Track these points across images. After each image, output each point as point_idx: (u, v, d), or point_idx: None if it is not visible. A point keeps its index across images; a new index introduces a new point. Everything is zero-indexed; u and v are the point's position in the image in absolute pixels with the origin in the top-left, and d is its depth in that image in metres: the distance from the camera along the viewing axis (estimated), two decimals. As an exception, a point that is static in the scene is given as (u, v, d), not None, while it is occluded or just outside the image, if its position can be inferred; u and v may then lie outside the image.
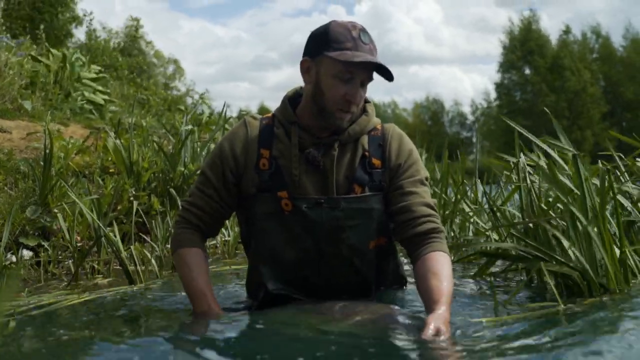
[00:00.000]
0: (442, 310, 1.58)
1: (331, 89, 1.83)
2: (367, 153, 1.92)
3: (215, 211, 1.95)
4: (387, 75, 1.86)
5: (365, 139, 1.94)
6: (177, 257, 1.92)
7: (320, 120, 1.89)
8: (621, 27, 60.39)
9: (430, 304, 1.64)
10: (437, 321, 1.53)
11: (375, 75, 1.88)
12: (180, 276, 1.91)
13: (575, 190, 2.11)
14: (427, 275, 1.71)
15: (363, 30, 1.84)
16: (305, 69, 1.90)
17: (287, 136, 1.92)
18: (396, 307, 1.77)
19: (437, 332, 1.49)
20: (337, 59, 1.80)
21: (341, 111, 1.85)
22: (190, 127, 4.42)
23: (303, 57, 1.91)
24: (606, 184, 2.05)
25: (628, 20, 55.61)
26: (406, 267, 2.21)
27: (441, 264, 1.74)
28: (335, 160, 1.88)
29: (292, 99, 1.98)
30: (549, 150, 2.33)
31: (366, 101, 1.99)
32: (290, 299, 1.90)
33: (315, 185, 1.88)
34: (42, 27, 8.96)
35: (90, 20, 12.61)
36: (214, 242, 3.75)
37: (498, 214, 2.73)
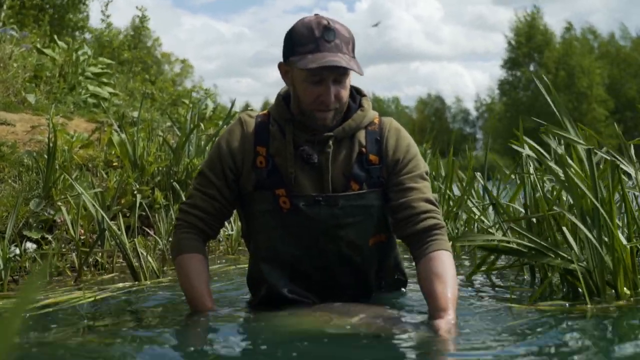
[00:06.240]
0: (450, 317, 1.62)
1: (304, 92, 1.81)
2: (364, 149, 1.88)
3: (217, 211, 1.93)
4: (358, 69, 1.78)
5: (362, 134, 1.90)
6: (178, 264, 1.89)
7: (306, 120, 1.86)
8: (617, 27, 60.35)
9: (436, 311, 1.65)
10: (448, 327, 1.56)
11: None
12: (180, 283, 1.89)
13: (580, 186, 2.09)
14: (431, 277, 1.71)
15: (327, 27, 1.76)
16: (283, 73, 1.88)
17: (282, 134, 1.89)
18: (396, 310, 1.75)
19: (449, 336, 1.52)
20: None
21: (319, 111, 1.81)
22: (194, 121, 4.39)
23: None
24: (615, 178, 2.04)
25: (621, 21, 55.39)
26: (406, 264, 2.19)
27: (444, 265, 1.73)
28: (331, 157, 1.85)
29: (286, 96, 1.95)
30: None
31: (362, 95, 1.95)
32: (291, 299, 1.86)
33: (311, 183, 1.86)
34: (47, 19, 8.88)
35: (107, 4, 12.11)
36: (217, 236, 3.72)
37: (500, 209, 2.71)
